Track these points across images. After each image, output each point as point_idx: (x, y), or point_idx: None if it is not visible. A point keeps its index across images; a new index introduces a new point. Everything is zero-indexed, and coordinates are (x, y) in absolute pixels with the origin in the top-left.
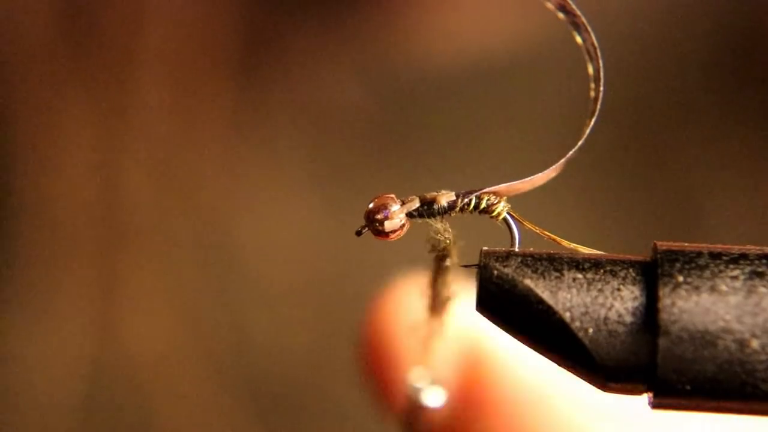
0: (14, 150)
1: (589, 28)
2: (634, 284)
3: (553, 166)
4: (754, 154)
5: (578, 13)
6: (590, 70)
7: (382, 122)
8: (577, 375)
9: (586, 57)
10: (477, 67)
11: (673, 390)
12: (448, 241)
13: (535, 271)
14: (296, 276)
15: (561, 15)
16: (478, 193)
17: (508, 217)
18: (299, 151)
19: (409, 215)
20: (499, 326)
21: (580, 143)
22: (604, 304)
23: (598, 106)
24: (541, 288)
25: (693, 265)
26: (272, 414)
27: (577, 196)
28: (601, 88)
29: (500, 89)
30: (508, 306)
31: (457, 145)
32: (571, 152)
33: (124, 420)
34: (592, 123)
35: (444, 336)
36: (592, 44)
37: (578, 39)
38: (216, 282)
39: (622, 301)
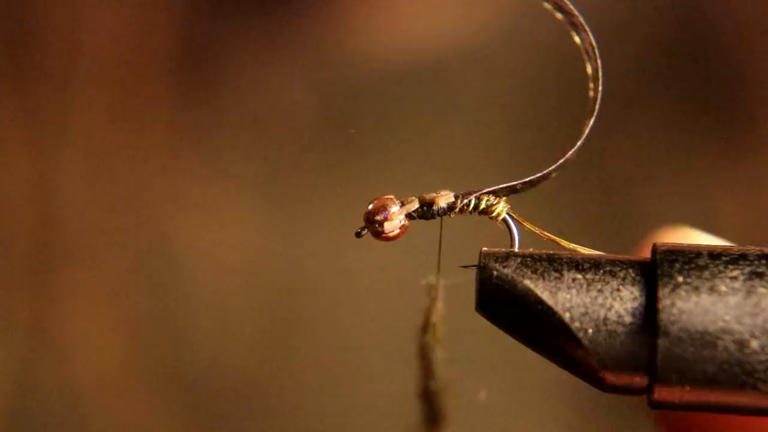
0: None
1: (587, 28)
2: (633, 285)
3: (552, 167)
4: (698, 146)
5: (576, 13)
6: (588, 69)
7: (329, 124)
8: (576, 375)
9: (585, 57)
10: (426, 63)
11: (672, 390)
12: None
13: (534, 272)
14: (240, 286)
15: (558, 15)
16: (477, 194)
17: (508, 217)
18: (244, 157)
19: (409, 216)
20: (499, 327)
21: (579, 143)
22: (603, 305)
23: (597, 106)
24: (541, 288)
25: (692, 265)
26: (214, 426)
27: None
28: (600, 88)
29: (450, 85)
30: (507, 306)
31: (409, 144)
32: (569, 153)
33: (55, 427)
34: (591, 122)
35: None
36: (590, 44)
37: (576, 39)
38: (157, 293)
39: (621, 301)
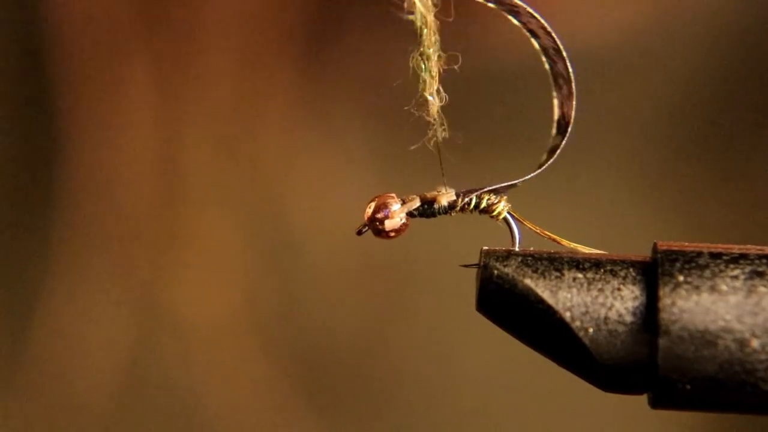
0: (75, 118)
1: (550, 30)
2: (634, 284)
3: (546, 165)
4: None
5: (537, 16)
6: (547, 67)
7: (451, 107)
8: (577, 374)
9: (543, 59)
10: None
11: (673, 389)
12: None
13: (535, 271)
14: (351, 252)
15: (514, 21)
16: (478, 193)
17: (509, 216)
18: (360, 129)
19: (410, 214)
20: (500, 326)
21: (563, 142)
22: (604, 304)
23: (574, 103)
24: (542, 288)
25: (693, 264)
26: (320, 389)
27: (588, 197)
28: (573, 85)
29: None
30: (508, 306)
31: (516, 136)
32: (558, 151)
33: (170, 390)
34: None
35: None
36: (553, 47)
37: (535, 44)
38: (271, 262)
39: (622, 300)
